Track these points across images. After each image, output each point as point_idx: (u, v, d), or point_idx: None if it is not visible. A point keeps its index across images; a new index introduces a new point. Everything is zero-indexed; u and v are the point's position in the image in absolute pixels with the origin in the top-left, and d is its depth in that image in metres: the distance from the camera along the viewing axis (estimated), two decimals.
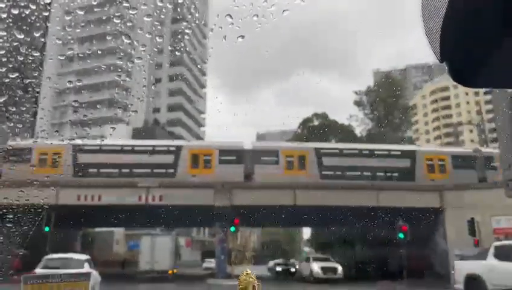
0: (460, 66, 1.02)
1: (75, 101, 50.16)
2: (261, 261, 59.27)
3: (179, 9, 62.56)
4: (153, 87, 64.68)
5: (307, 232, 59.41)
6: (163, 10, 57.90)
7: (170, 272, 25.57)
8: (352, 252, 31.42)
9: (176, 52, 65.07)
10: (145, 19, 50.44)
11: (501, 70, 1.00)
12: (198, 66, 72.42)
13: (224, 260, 25.96)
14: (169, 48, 65.08)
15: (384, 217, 22.11)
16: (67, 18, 49.60)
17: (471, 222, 21.40)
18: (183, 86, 66.36)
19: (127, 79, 54.53)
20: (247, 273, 2.14)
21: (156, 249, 25.35)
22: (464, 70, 1.03)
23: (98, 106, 49.28)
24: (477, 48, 0.95)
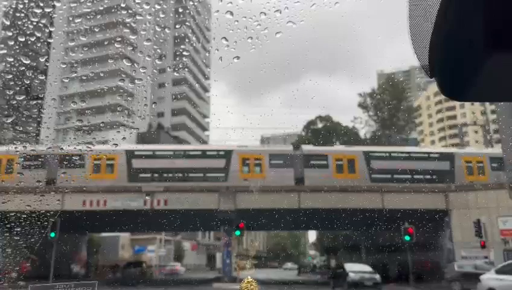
0: (449, 81, 1.06)
1: (79, 120, 50.57)
2: (265, 265, 59.05)
3: (180, 15, 62.87)
4: (153, 106, 65.39)
5: (312, 235, 59.26)
6: (165, 16, 58.23)
7: None
8: (357, 255, 31.29)
9: (178, 58, 65.32)
10: (145, 43, 50.92)
11: (488, 84, 1.04)
12: (202, 70, 72.60)
13: (230, 263, 25.94)
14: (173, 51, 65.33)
15: (390, 220, 22.01)
16: (71, 44, 51.02)
17: (477, 223, 21.26)
18: (186, 90, 66.51)
19: (130, 85, 54.83)
20: (248, 281, 2.11)
21: None
22: (453, 85, 1.06)
23: (102, 125, 49.71)
24: (465, 63, 0.98)
